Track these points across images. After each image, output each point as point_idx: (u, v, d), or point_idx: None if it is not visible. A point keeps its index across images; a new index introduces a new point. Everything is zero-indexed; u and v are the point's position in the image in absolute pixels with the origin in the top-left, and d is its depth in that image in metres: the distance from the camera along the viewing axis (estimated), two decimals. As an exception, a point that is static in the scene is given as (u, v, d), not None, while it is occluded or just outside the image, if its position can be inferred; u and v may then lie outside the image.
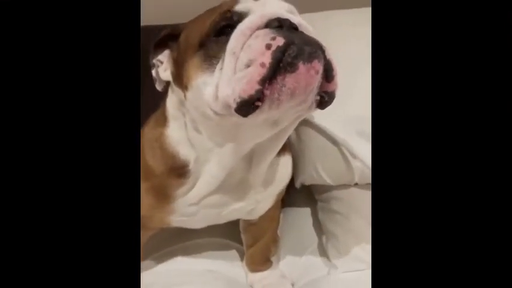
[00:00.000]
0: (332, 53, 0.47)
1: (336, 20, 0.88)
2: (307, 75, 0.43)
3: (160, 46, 0.60)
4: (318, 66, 0.44)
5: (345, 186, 0.88)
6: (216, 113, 0.48)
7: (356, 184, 0.87)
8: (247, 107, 0.44)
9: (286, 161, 0.73)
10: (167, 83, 0.62)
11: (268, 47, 0.43)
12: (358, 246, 0.80)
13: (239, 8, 0.50)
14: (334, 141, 0.83)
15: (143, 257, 0.86)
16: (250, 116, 0.45)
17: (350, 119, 0.81)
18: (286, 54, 0.43)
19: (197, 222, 0.72)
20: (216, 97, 0.47)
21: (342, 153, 0.82)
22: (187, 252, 0.88)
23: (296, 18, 0.48)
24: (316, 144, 0.85)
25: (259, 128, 0.51)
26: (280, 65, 0.43)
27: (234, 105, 0.45)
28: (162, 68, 0.60)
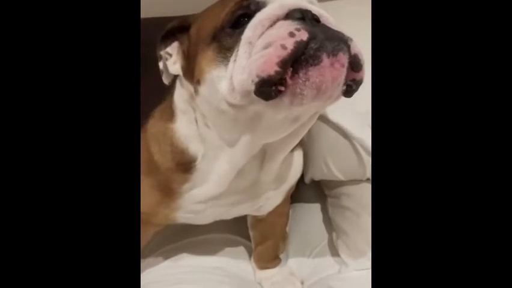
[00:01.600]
0: (358, 46, 0.44)
1: (348, 11, 0.85)
2: (332, 68, 0.41)
3: (168, 38, 0.57)
4: (344, 59, 0.42)
5: (356, 181, 0.86)
6: (233, 105, 0.45)
7: (368, 179, 0.86)
8: (268, 87, 0.41)
9: (298, 156, 0.71)
10: (175, 76, 0.60)
11: (291, 35, 0.41)
12: (368, 243, 0.78)
13: None
14: (345, 135, 0.81)
15: (149, 253, 0.85)
16: (271, 102, 0.42)
17: (361, 112, 0.79)
18: (308, 47, 0.40)
19: (203, 219, 0.71)
20: (233, 88, 0.44)
21: (354, 148, 0.81)
22: (193, 248, 0.87)
23: (317, 9, 0.46)
24: (327, 139, 0.83)
25: (278, 123, 0.48)
26: (302, 58, 0.40)
27: (252, 88, 0.42)
28: (171, 61, 0.57)
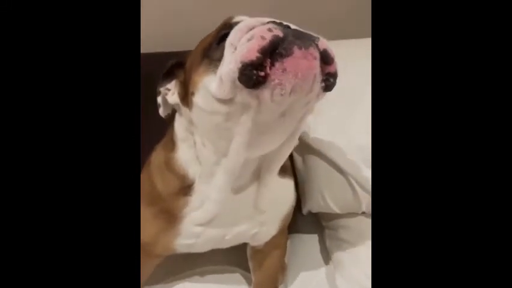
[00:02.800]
0: (326, 42, 0.49)
1: (338, 51, 0.89)
2: (305, 60, 0.45)
3: (168, 76, 0.64)
4: (314, 52, 0.46)
5: (353, 214, 0.89)
6: (223, 101, 0.49)
7: (364, 213, 0.88)
8: (249, 72, 0.45)
9: (288, 183, 0.74)
10: (173, 114, 0.66)
11: (269, 30, 0.46)
12: (365, 276, 0.79)
13: (236, 19, 0.55)
14: (341, 171, 0.84)
15: (150, 285, 0.86)
16: (254, 92, 0.46)
17: (355, 147, 0.82)
18: (283, 41, 0.46)
19: (201, 245, 0.72)
20: (221, 81, 0.48)
21: (349, 183, 0.84)
22: (194, 279, 0.89)
23: (289, 24, 0.51)
24: (323, 173, 0.86)
25: (267, 121, 0.51)
26: (277, 52, 0.45)
27: (237, 74, 0.46)
28: (170, 93, 0.64)
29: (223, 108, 0.50)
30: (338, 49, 0.86)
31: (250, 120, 0.50)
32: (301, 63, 0.45)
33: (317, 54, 0.47)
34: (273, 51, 0.45)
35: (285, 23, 0.50)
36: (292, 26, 0.50)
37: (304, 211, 0.93)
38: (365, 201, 0.84)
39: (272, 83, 0.45)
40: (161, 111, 0.66)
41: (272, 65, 0.45)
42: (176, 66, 0.63)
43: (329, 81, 0.49)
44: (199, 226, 0.67)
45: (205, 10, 1.19)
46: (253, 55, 0.45)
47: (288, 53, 0.45)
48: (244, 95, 0.47)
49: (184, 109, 0.61)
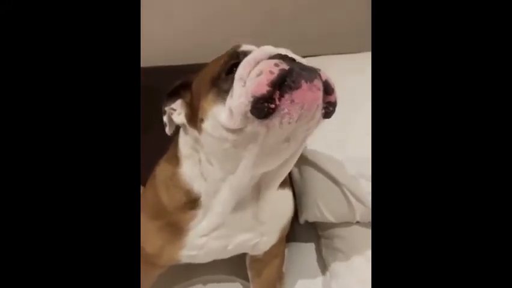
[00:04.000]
0: (326, 73, 0.53)
1: (335, 66, 0.91)
2: (310, 92, 0.49)
3: (173, 96, 0.66)
4: (319, 84, 0.50)
5: (348, 224, 0.92)
6: (232, 130, 0.53)
7: (358, 222, 0.91)
8: (260, 105, 0.48)
9: (287, 195, 0.77)
10: (177, 131, 0.68)
11: (276, 65, 0.50)
12: (360, 284, 0.81)
13: (243, 48, 0.58)
14: (336, 182, 0.87)
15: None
16: (264, 122, 0.49)
17: (350, 160, 0.85)
18: (290, 74, 0.49)
19: (204, 256, 0.74)
20: (231, 114, 0.51)
21: (344, 194, 0.87)
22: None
23: (292, 54, 0.55)
24: (319, 184, 0.89)
25: (272, 145, 0.54)
26: (285, 84, 0.49)
27: (249, 107, 0.49)
28: (176, 113, 0.66)
29: (232, 137, 0.54)
30: (336, 63, 0.88)
31: (258, 146, 0.54)
32: (308, 95, 0.49)
33: (321, 86, 0.51)
34: (281, 84, 0.49)
35: (289, 55, 0.53)
36: (297, 59, 0.53)
37: (301, 221, 0.96)
38: (359, 211, 0.87)
39: (281, 112, 0.49)
40: (167, 130, 0.68)
41: (281, 96, 0.49)
42: (182, 86, 0.66)
43: (328, 109, 0.53)
44: (203, 237, 0.69)
45: (205, 27, 1.21)
46: (264, 89, 0.48)
47: (297, 86, 0.49)
48: (255, 125, 0.51)
49: (191, 129, 0.64)
